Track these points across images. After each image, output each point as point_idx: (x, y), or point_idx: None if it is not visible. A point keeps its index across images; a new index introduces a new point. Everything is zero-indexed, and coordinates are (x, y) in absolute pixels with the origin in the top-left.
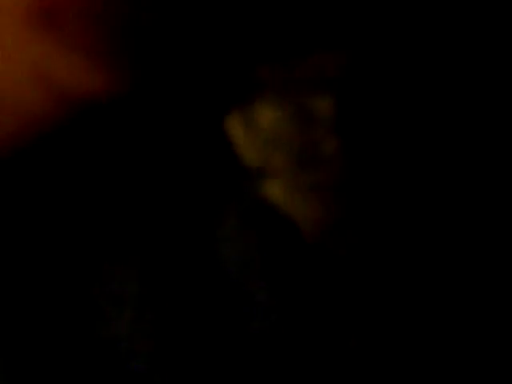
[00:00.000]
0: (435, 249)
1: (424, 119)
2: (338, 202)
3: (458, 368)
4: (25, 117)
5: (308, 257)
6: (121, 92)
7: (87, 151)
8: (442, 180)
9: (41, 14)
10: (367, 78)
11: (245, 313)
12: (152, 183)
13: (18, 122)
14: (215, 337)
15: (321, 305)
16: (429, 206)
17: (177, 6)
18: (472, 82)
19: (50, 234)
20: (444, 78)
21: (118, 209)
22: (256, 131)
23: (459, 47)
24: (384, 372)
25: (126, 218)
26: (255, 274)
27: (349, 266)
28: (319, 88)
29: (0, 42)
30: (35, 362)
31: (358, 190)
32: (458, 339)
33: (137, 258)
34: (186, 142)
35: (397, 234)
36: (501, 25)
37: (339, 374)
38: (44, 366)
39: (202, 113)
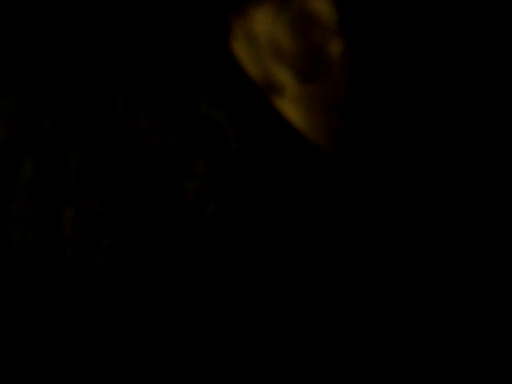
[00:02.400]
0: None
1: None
2: (344, 111)
3: (458, 368)
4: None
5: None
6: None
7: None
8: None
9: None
10: None
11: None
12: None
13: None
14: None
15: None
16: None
17: None
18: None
19: None
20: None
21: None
22: (256, 42)
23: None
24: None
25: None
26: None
27: (356, 176)
28: None
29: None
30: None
31: (364, 97)
32: (457, 336)
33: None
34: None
35: (399, 142)
36: (501, 25)
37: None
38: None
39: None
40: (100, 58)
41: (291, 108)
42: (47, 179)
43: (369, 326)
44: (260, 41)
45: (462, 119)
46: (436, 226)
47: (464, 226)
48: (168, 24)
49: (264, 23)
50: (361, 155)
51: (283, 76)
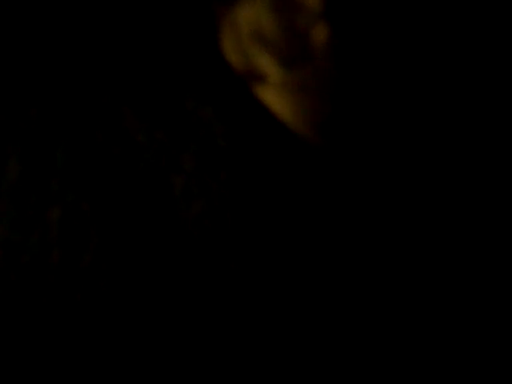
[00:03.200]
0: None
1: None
2: (329, 98)
3: (458, 368)
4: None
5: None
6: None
7: None
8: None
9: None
10: None
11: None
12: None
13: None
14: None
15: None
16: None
17: None
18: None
19: None
20: None
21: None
22: (239, 30)
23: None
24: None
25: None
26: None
27: (341, 164)
28: None
29: None
30: None
31: (350, 83)
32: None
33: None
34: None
35: (387, 131)
36: (501, 25)
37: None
38: None
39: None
40: (85, 58)
41: (275, 97)
42: (33, 178)
43: (369, 326)
44: (243, 29)
45: (454, 104)
46: (431, 223)
47: (463, 223)
48: (153, 22)
49: (247, 10)
50: (349, 146)
51: (266, 63)
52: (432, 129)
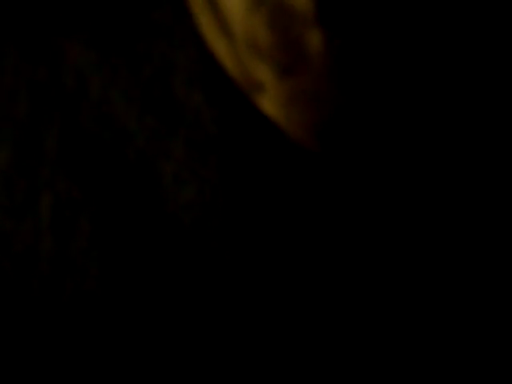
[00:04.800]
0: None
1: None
2: (328, 104)
3: (458, 368)
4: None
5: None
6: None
7: None
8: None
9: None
10: None
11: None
12: None
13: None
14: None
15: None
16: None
17: None
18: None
19: None
20: None
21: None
22: (231, 34)
23: None
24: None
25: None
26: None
27: (341, 171)
28: None
29: None
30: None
31: (348, 88)
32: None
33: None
34: None
35: (386, 134)
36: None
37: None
38: None
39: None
40: (74, 44)
41: (272, 105)
42: (24, 166)
43: (368, 326)
44: (236, 34)
45: (454, 105)
46: (431, 224)
47: (463, 224)
48: (143, 10)
49: (240, 15)
50: (347, 150)
51: (262, 71)
52: (432, 133)
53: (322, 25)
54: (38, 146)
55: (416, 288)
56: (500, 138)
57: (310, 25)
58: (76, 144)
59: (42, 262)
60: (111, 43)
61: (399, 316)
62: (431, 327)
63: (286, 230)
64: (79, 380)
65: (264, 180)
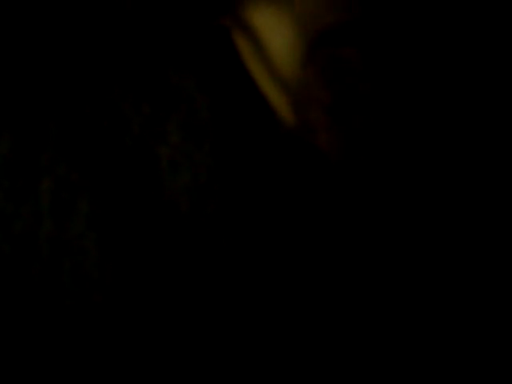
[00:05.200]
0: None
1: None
2: (374, 137)
3: (458, 368)
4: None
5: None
6: None
7: None
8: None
9: None
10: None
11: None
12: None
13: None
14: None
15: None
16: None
17: None
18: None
19: None
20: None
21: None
22: (284, 86)
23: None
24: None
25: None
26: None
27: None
28: (345, 37)
29: None
30: None
31: (395, 129)
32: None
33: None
34: None
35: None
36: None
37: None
38: None
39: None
40: (73, 34)
41: (325, 145)
42: (25, 151)
43: (368, 326)
44: (289, 85)
45: (457, 115)
46: (434, 226)
47: (464, 227)
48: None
49: (293, 69)
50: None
51: (316, 118)
52: (440, 145)
53: (370, 76)
54: (38, 131)
55: (416, 288)
56: (500, 138)
57: (360, 76)
58: (75, 130)
59: (41, 244)
60: (109, 32)
61: (399, 316)
62: (431, 327)
63: (281, 214)
64: (77, 364)
65: (258, 164)
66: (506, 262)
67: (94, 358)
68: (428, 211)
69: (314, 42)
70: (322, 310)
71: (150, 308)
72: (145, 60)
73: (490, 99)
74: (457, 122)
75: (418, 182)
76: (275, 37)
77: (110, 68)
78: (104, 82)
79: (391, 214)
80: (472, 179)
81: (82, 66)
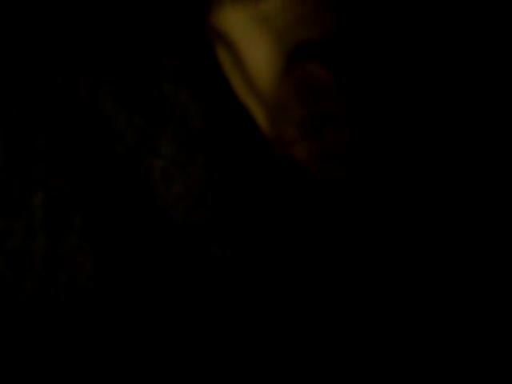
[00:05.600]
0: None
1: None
2: (351, 157)
3: (458, 368)
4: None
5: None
6: None
7: None
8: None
9: None
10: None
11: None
12: None
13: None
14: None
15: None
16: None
17: None
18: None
19: None
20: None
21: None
22: (261, 98)
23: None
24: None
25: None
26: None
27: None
28: (317, 54)
29: None
30: None
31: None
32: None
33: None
34: None
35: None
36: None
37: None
38: None
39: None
40: (64, 45)
41: (302, 158)
42: (16, 164)
43: (368, 327)
44: (266, 97)
45: (455, 117)
46: (433, 228)
47: (464, 228)
48: (134, 8)
49: (269, 81)
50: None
51: (292, 131)
52: (439, 153)
53: (341, 92)
54: (29, 144)
55: (416, 288)
56: (500, 139)
57: (332, 94)
58: (67, 143)
59: (35, 258)
60: (100, 44)
61: (399, 316)
62: (431, 327)
63: (274, 225)
64: (73, 375)
65: (251, 176)
66: (506, 262)
67: (90, 371)
68: (415, 219)
69: (291, 56)
70: (322, 310)
71: (146, 319)
72: (137, 70)
73: (476, 109)
74: (436, 137)
75: (397, 193)
76: (254, 50)
77: (102, 79)
78: (96, 93)
79: (379, 222)
80: (467, 184)
81: (74, 76)
